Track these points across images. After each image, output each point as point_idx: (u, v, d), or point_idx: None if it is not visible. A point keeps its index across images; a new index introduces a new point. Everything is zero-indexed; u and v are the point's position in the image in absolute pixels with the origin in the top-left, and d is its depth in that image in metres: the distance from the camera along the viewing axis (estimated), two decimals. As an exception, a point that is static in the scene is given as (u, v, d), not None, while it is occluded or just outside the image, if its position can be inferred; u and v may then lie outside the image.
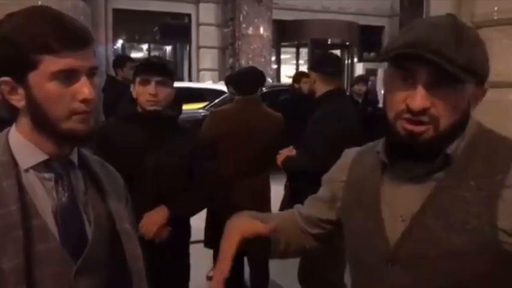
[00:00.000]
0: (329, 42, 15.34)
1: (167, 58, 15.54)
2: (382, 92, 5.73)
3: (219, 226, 2.79)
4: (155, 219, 2.05)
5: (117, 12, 12.37)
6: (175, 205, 2.11)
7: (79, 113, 0.96)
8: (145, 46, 14.71)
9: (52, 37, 0.91)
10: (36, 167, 0.98)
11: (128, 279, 1.08)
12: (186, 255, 2.34)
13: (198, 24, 13.14)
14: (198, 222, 3.10)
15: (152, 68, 2.13)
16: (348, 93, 6.36)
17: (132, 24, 13.48)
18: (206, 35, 13.05)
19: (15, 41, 0.90)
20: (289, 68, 16.11)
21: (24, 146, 0.97)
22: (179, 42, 14.26)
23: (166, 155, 2.10)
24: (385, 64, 1.00)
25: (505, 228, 0.87)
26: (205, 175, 2.24)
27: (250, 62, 11.34)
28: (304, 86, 5.35)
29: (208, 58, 13.08)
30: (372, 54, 16.55)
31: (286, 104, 5.66)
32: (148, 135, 2.10)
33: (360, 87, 6.66)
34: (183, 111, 8.16)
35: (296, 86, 5.47)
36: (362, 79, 7.28)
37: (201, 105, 8.28)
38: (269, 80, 9.82)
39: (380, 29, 16.06)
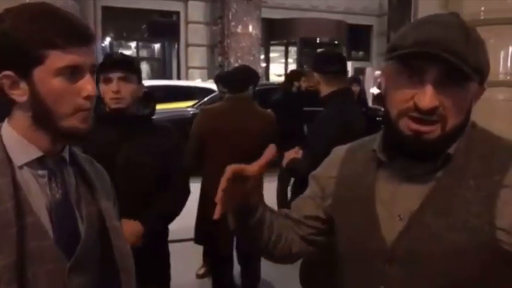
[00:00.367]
0: (318, 41, 15.39)
1: (156, 56, 15.50)
2: (370, 91, 5.74)
3: (208, 223, 2.78)
4: (131, 237, 1.98)
5: (106, 9, 12.31)
6: (149, 220, 2.07)
7: (83, 110, 0.97)
8: (133, 44, 14.64)
9: (58, 33, 0.92)
10: (30, 164, 0.97)
11: (117, 276, 1.08)
12: (164, 253, 2.29)
13: (187, 22, 13.10)
14: (188, 220, 3.10)
15: (113, 64, 2.04)
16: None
17: (121, 21, 13.42)
18: (195, 33, 13.02)
19: (19, 36, 0.90)
20: (278, 66, 16.13)
21: (18, 142, 0.96)
22: (168, 40, 14.22)
23: (138, 154, 2.05)
24: (371, 64, 0.99)
25: (504, 227, 0.88)
26: (178, 177, 2.21)
27: (239, 61, 11.34)
28: (304, 84, 5.35)
29: (197, 56, 13.06)
30: (360, 53, 16.63)
31: (280, 102, 5.68)
32: (118, 135, 2.05)
33: (355, 88, 6.66)
34: (172, 110, 8.22)
35: (296, 84, 5.46)
36: (356, 79, 7.29)
37: (190, 103, 8.26)
38: (258, 78, 9.80)
39: (368, 28, 16.13)
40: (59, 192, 1.00)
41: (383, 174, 1.02)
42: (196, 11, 12.94)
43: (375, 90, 10.78)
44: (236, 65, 10.97)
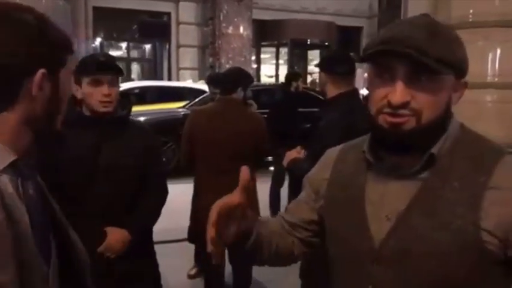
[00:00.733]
0: (308, 43, 15.45)
1: (147, 57, 15.45)
2: (361, 92, 5.78)
3: (201, 222, 2.78)
4: (117, 245, 2.03)
5: (97, 10, 12.25)
6: (136, 229, 2.09)
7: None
8: (124, 44, 14.59)
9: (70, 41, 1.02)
10: (6, 169, 0.92)
11: (76, 273, 1.11)
12: (150, 252, 2.28)
13: (178, 23, 13.09)
14: (179, 221, 3.11)
15: (104, 67, 2.00)
16: None
17: (112, 22, 13.37)
18: (186, 33, 13.00)
19: (50, 39, 0.97)
20: (269, 67, 16.16)
21: None
22: (159, 41, 14.18)
23: (120, 156, 2.03)
24: (364, 64, 1.03)
25: (488, 229, 0.89)
26: (156, 176, 2.21)
27: (230, 62, 11.36)
28: (302, 85, 5.42)
29: (188, 57, 13.04)
30: (351, 54, 16.70)
31: (279, 103, 5.72)
32: (97, 137, 2.02)
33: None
34: (163, 110, 8.20)
35: (294, 84, 5.52)
36: None
37: (181, 104, 8.25)
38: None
39: (358, 30, 16.22)
40: (35, 196, 0.99)
41: (373, 175, 1.04)
42: (187, 12, 12.93)
43: (364, 91, 10.86)
44: (227, 66, 10.98)
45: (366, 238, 1.00)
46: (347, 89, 2.63)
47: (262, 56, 15.77)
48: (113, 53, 13.26)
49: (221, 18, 11.67)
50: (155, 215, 2.22)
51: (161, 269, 2.31)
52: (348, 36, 15.79)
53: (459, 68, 0.96)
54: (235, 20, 11.71)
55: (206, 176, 3.00)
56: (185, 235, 3.19)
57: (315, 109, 5.40)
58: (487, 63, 3.95)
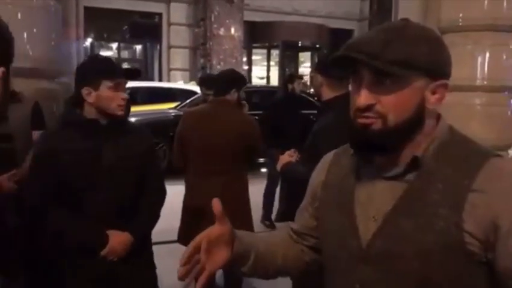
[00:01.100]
0: (300, 45, 15.49)
1: (138, 57, 15.39)
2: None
3: (192, 223, 2.79)
4: (120, 248, 2.04)
5: (88, 10, 12.19)
6: (138, 233, 2.10)
7: None
8: (114, 45, 14.53)
9: None
10: None
11: None
12: (147, 253, 2.28)
13: (169, 24, 13.06)
14: (172, 222, 3.10)
15: (125, 72, 2.05)
16: None
17: (102, 22, 13.31)
18: (177, 34, 12.98)
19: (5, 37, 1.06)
20: (260, 69, 16.17)
21: None
22: (150, 42, 14.14)
23: (122, 157, 2.04)
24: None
25: (470, 231, 0.90)
26: (155, 178, 2.22)
27: (222, 63, 11.36)
28: (298, 87, 5.45)
29: (179, 58, 13.02)
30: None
31: (278, 103, 5.76)
32: (99, 139, 2.02)
33: None
34: (154, 111, 8.17)
35: (290, 86, 5.57)
36: None
37: (172, 105, 8.24)
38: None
39: (349, 33, 16.29)
40: None
41: (362, 177, 1.07)
42: (179, 13, 12.90)
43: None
44: (218, 67, 10.99)
45: (354, 238, 1.03)
46: (342, 92, 2.60)
47: (253, 57, 15.78)
48: (104, 53, 13.21)
49: (212, 19, 11.67)
50: (156, 217, 2.23)
51: (154, 270, 2.30)
52: (339, 38, 15.84)
53: (428, 69, 0.96)
54: (227, 21, 11.72)
55: (198, 177, 3.01)
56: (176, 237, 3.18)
57: (308, 111, 5.46)
58: (476, 66, 3.99)
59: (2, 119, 2.36)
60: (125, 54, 15.44)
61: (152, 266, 2.29)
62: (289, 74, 6.28)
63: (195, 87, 8.39)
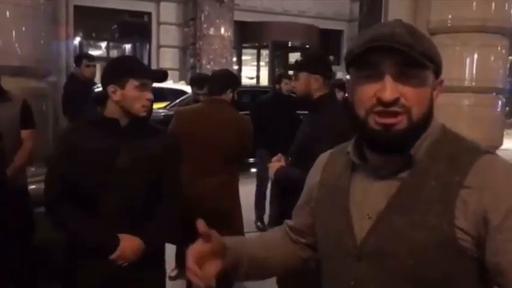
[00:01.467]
0: (290, 45, 15.52)
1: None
2: (340, 93, 5.80)
3: (185, 223, 2.77)
4: (130, 253, 1.98)
5: (78, 9, 12.09)
6: (151, 240, 2.04)
7: None
8: (103, 44, 14.43)
9: None
10: None
11: None
12: (160, 263, 2.23)
13: (159, 23, 13.00)
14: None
15: (153, 73, 2.05)
16: None
17: (92, 21, 13.20)
18: (167, 34, 12.92)
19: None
20: (250, 69, 16.18)
21: None
22: (139, 41, 14.07)
23: (137, 160, 1.99)
24: (342, 68, 1.05)
25: (462, 227, 0.92)
26: (173, 184, 2.14)
27: (212, 63, 11.34)
28: (285, 87, 5.44)
29: (169, 57, 12.96)
30: (331, 57, 16.84)
31: (263, 103, 5.76)
32: (117, 139, 1.98)
33: (339, 93, 6.57)
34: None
35: (277, 86, 5.58)
36: (343, 85, 7.14)
37: (162, 105, 8.19)
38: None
39: (339, 33, 16.36)
40: None
41: (357, 176, 1.08)
42: (168, 12, 12.85)
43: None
44: (208, 67, 10.97)
45: (350, 237, 1.04)
46: (327, 91, 2.62)
47: (243, 57, 15.77)
48: (93, 52, 13.08)
49: (202, 19, 11.63)
50: (170, 225, 2.15)
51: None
52: (328, 39, 15.92)
53: (438, 64, 0.99)
54: (217, 21, 11.69)
55: (192, 176, 3.00)
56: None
57: (295, 111, 5.46)
58: (465, 67, 4.03)
59: None
60: (114, 53, 15.32)
61: (162, 264, 2.25)
62: (278, 74, 6.27)
63: (184, 87, 8.37)
